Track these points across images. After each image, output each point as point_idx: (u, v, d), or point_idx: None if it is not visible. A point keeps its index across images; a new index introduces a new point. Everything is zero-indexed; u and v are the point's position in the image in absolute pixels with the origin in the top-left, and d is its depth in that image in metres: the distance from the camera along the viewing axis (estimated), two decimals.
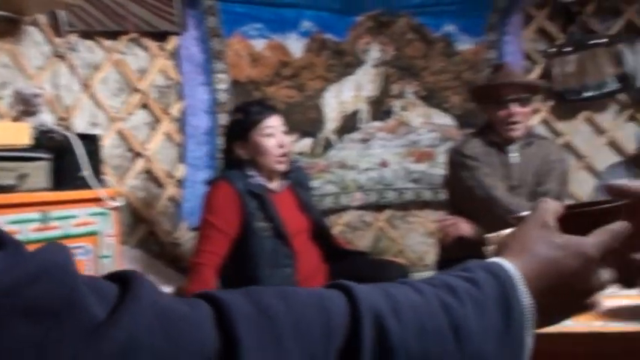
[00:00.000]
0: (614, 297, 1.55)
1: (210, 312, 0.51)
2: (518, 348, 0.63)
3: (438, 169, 4.11)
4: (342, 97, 4.27)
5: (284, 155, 2.74)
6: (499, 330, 0.62)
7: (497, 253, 0.72)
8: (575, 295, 0.71)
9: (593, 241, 0.71)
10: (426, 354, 0.58)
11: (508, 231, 1.58)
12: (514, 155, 2.85)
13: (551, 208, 0.75)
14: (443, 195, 3.43)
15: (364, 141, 4.32)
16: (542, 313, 0.66)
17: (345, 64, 4.28)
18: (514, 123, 2.79)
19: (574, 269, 0.69)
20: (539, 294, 0.66)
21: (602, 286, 0.73)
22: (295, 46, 4.13)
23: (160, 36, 3.80)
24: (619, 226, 0.74)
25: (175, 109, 3.85)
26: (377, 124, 4.35)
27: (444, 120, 4.44)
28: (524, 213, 0.79)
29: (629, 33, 4.63)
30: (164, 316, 0.48)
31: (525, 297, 0.65)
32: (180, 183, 3.82)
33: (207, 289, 0.63)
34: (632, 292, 1.41)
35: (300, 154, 4.05)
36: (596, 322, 1.35)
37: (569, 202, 1.40)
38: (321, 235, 2.85)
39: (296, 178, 2.87)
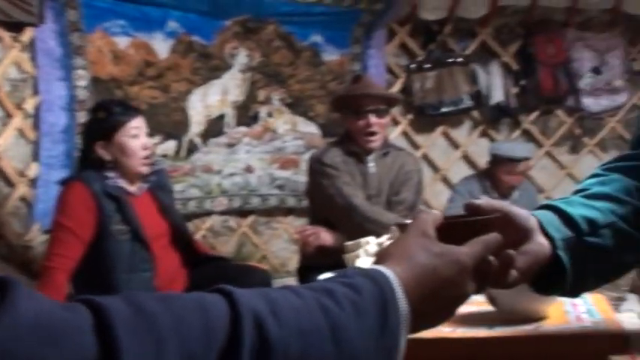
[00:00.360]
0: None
1: (89, 316, 0.50)
2: (392, 350, 0.66)
3: (302, 176, 4.15)
4: (208, 100, 4.21)
5: (148, 158, 2.67)
6: (376, 332, 0.65)
7: (378, 261, 0.74)
8: (449, 301, 0.76)
9: (468, 250, 0.76)
10: (304, 354, 0.59)
11: (367, 239, 1.62)
12: (372, 165, 2.93)
13: (431, 218, 0.79)
14: (306, 202, 3.47)
15: (229, 146, 4.28)
16: (418, 317, 0.69)
17: (211, 67, 4.23)
18: (372, 134, 2.87)
19: (450, 276, 0.74)
20: (416, 299, 0.69)
21: (471, 293, 0.78)
22: (161, 46, 4.03)
23: (15, 26, 3.57)
24: (492, 237, 0.81)
25: (30, 105, 3.63)
26: (243, 129, 4.33)
27: (309, 128, 4.50)
28: (407, 221, 0.83)
29: (483, 54, 4.93)
30: (42, 323, 0.47)
31: (402, 302, 0.68)
32: (33, 182, 3.61)
33: (59, 295, 0.61)
34: (480, 298, 1.49)
35: (164, 156, 3.95)
36: (445, 327, 1.41)
37: (426, 210, 1.48)
38: (181, 240, 2.80)
39: (157, 181, 2.80)
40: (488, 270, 0.84)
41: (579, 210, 1.04)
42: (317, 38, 4.50)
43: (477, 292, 0.86)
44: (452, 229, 0.85)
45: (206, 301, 0.58)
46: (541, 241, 0.98)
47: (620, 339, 1.26)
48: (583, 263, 1.01)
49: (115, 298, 0.54)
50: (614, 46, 5.00)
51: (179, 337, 0.53)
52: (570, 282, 1.01)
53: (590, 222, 1.03)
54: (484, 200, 0.97)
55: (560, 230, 1.00)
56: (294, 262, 4.05)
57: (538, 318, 1.42)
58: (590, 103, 4.95)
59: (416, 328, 0.71)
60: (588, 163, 5.03)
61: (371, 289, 0.67)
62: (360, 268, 0.73)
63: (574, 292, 1.08)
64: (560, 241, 0.99)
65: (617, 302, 3.27)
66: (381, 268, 0.71)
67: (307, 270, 2.87)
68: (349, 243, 1.66)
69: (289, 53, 4.42)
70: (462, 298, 0.77)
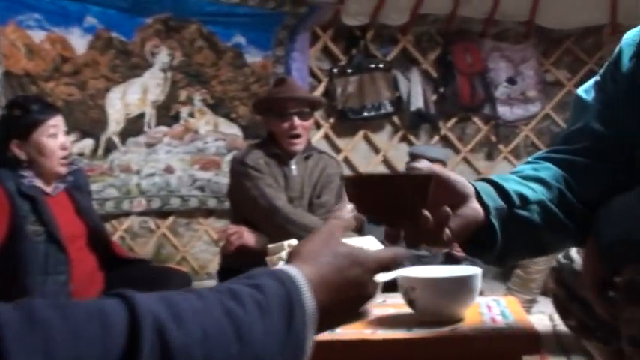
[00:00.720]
0: (381, 305, 1.65)
1: None
2: (299, 349, 0.66)
3: (224, 177, 4.12)
4: (128, 99, 4.12)
5: (66, 158, 2.58)
6: (282, 332, 0.65)
7: (288, 261, 0.75)
8: (355, 300, 0.77)
9: (375, 254, 0.78)
10: (208, 357, 0.59)
11: (290, 241, 1.62)
12: (294, 168, 2.94)
13: (339, 222, 0.81)
14: (228, 204, 3.45)
15: (149, 145, 4.20)
16: (325, 316, 0.70)
17: (131, 65, 4.14)
18: (295, 136, 2.87)
19: (355, 277, 0.75)
20: (323, 298, 0.70)
21: (373, 294, 0.80)
22: (78, 41, 3.92)
23: None
24: (401, 250, 0.87)
25: None
26: (163, 129, 4.26)
27: (231, 130, 4.47)
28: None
29: (404, 60, 5.02)
30: None
31: (309, 300, 0.68)
32: None
33: None
34: (399, 301, 1.51)
35: (80, 155, 3.84)
36: (366, 329, 1.43)
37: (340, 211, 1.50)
38: (98, 242, 2.72)
39: (74, 181, 2.71)
40: (426, 225, 0.98)
41: (513, 186, 1.16)
42: (240, 39, 4.48)
43: (414, 245, 1.05)
44: (395, 183, 1.02)
45: (105, 307, 0.57)
46: (476, 207, 1.09)
47: (533, 339, 1.31)
48: (512, 233, 1.11)
49: (7, 307, 0.52)
50: (528, 57, 5.20)
51: (73, 348, 0.52)
52: (499, 249, 1.11)
53: (522, 197, 1.14)
54: (425, 164, 1.05)
55: (494, 200, 1.11)
56: (214, 264, 4.01)
57: (455, 320, 1.45)
58: (505, 111, 5.13)
59: (323, 327, 0.72)
60: (503, 169, 5.20)
61: (276, 290, 0.67)
62: (266, 269, 0.73)
63: (501, 260, 1.16)
64: (493, 209, 1.10)
65: (529, 304, 3.41)
66: (287, 268, 0.72)
67: (228, 272, 2.84)
68: (272, 245, 1.65)
69: (212, 54, 4.38)
70: (366, 298, 0.79)
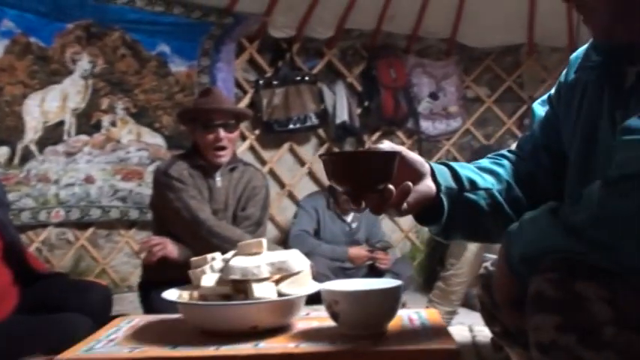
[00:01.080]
0: (305, 319, 1.65)
1: None
2: None
3: (147, 188, 4.05)
4: (46, 106, 3.99)
5: None
6: None
7: None
8: None
9: None
10: None
11: (213, 255, 1.60)
12: (219, 179, 2.91)
13: None
14: (150, 215, 3.38)
15: (68, 154, 4.07)
16: None
17: (50, 71, 4.01)
18: (221, 148, 2.85)
19: None
20: None
21: None
22: None
23: None
24: None
25: None
26: (83, 137, 4.14)
27: (155, 139, 4.39)
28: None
29: (329, 74, 5.07)
30: None
31: None
32: None
33: None
34: (323, 314, 1.52)
35: None
36: (289, 343, 1.43)
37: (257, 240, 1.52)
38: (14, 255, 2.60)
39: None
40: (390, 196, 1.15)
41: (467, 172, 1.32)
42: (165, 48, 4.41)
43: (378, 213, 1.21)
44: (365, 159, 1.21)
45: None
46: (430, 184, 1.26)
47: (453, 351, 1.34)
48: (458, 212, 1.28)
49: None
50: (450, 73, 5.34)
51: None
52: (444, 223, 1.28)
53: (472, 182, 1.31)
54: (387, 144, 1.25)
55: (447, 180, 1.28)
56: (135, 277, 3.92)
57: (378, 333, 1.47)
58: (427, 126, 5.25)
59: None
60: None
61: None
62: None
63: (445, 234, 1.33)
64: (444, 188, 1.27)
65: (449, 316, 3.48)
66: None
67: (149, 285, 2.79)
68: (195, 258, 1.63)
69: (135, 62, 4.30)
70: None
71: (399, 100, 5.11)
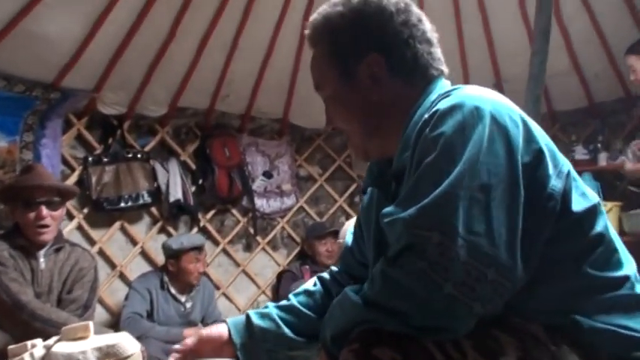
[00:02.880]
0: None
1: None
2: None
3: None
4: None
5: None
6: None
7: None
8: None
9: None
10: None
11: (34, 341, 1.48)
12: (42, 260, 2.73)
13: None
14: None
15: None
16: None
17: None
18: (43, 226, 2.70)
19: None
20: None
21: None
22: None
23: None
24: None
25: None
26: None
27: None
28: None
29: (162, 151, 4.99)
30: None
31: None
32: None
33: None
34: None
35: None
36: None
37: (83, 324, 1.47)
38: None
39: None
40: None
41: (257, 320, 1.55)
42: None
43: None
44: None
45: None
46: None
47: None
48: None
49: None
50: (283, 152, 5.47)
51: None
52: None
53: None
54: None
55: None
56: None
57: None
58: (262, 204, 5.30)
59: None
60: (261, 260, 5.32)
61: None
62: None
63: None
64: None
65: None
66: None
67: None
68: (12, 346, 1.49)
69: None
70: None
71: (233, 178, 5.13)
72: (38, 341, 1.52)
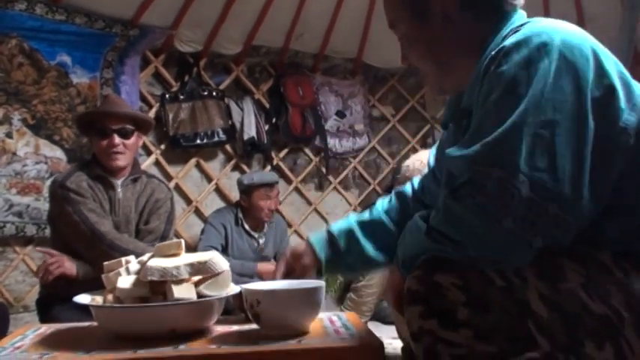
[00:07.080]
0: (224, 324, 1.60)
1: None
2: None
3: (45, 203, 3.84)
4: None
5: None
6: None
7: None
8: None
9: None
10: None
11: (128, 257, 1.52)
12: (120, 191, 2.77)
13: None
14: (48, 230, 3.20)
15: None
16: None
17: None
18: (116, 153, 2.71)
19: None
20: None
21: None
22: None
23: None
24: None
25: None
26: None
27: (54, 152, 4.17)
28: None
29: (237, 90, 5.03)
30: None
31: None
32: None
33: None
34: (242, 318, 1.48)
35: None
36: (211, 345, 1.38)
37: (176, 241, 1.50)
38: None
39: None
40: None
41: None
42: (66, 58, 4.23)
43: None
44: None
45: None
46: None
47: (378, 347, 1.33)
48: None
49: None
50: (356, 92, 5.42)
51: None
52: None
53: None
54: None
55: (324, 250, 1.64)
56: (32, 297, 3.70)
57: (301, 333, 1.44)
58: (334, 143, 5.29)
59: None
60: (332, 200, 5.35)
61: None
62: None
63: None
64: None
65: None
66: None
67: (48, 300, 2.63)
68: (109, 262, 1.54)
69: (34, 71, 4.09)
70: None
71: (306, 117, 5.13)
72: (132, 257, 1.57)
